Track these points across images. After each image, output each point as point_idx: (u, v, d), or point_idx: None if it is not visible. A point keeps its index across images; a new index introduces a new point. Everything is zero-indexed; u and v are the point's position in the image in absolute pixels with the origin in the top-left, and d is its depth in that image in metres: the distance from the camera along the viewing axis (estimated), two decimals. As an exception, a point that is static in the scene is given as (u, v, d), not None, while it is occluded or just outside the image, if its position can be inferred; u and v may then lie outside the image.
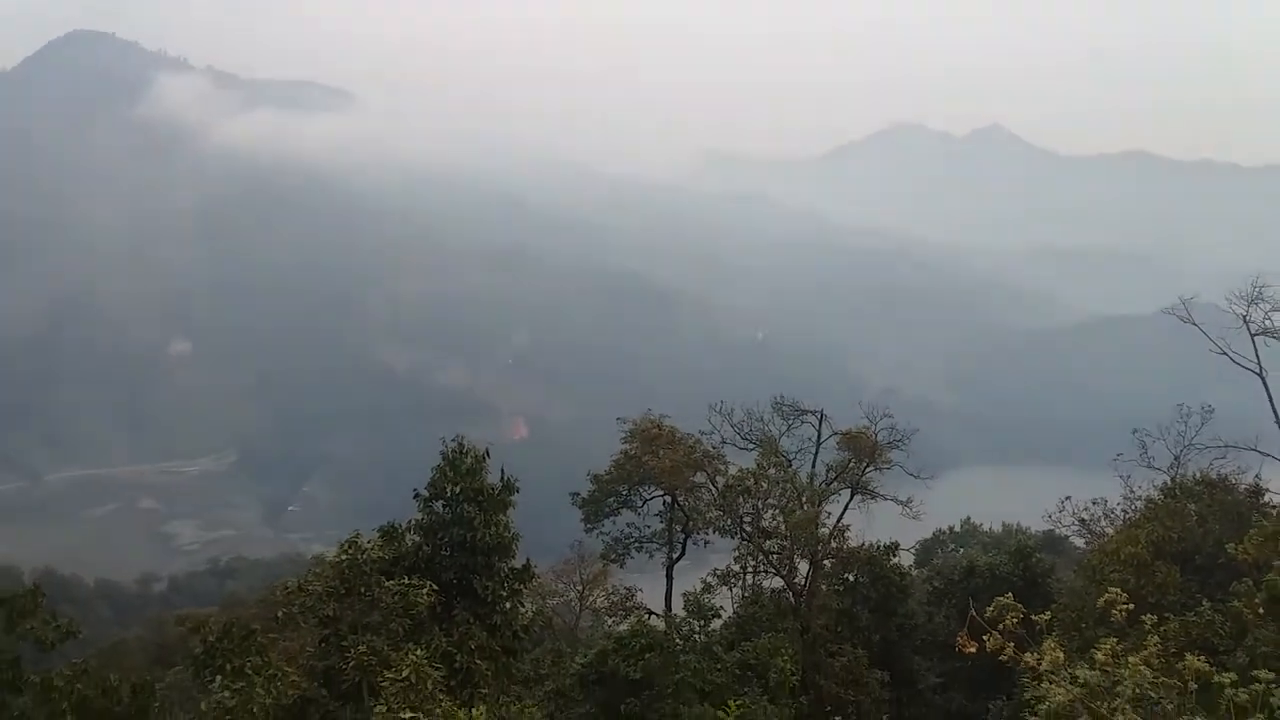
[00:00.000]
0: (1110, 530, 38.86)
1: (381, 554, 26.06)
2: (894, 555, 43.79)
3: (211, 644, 22.79)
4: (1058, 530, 46.76)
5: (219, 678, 22.22)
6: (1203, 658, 13.43)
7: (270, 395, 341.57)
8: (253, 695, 21.33)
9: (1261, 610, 22.43)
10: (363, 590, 24.47)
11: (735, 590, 42.50)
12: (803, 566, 42.51)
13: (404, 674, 20.52)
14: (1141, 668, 12.99)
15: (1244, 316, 36.93)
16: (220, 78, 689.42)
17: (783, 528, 42.07)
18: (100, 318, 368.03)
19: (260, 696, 21.33)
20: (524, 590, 28.68)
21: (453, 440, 27.79)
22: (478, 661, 25.16)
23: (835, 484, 43.74)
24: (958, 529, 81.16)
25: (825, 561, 42.43)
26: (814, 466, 45.22)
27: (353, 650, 22.83)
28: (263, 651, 23.24)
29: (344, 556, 25.11)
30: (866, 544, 42.92)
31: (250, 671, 22.10)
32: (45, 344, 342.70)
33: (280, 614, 25.21)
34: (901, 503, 44.17)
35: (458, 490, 26.88)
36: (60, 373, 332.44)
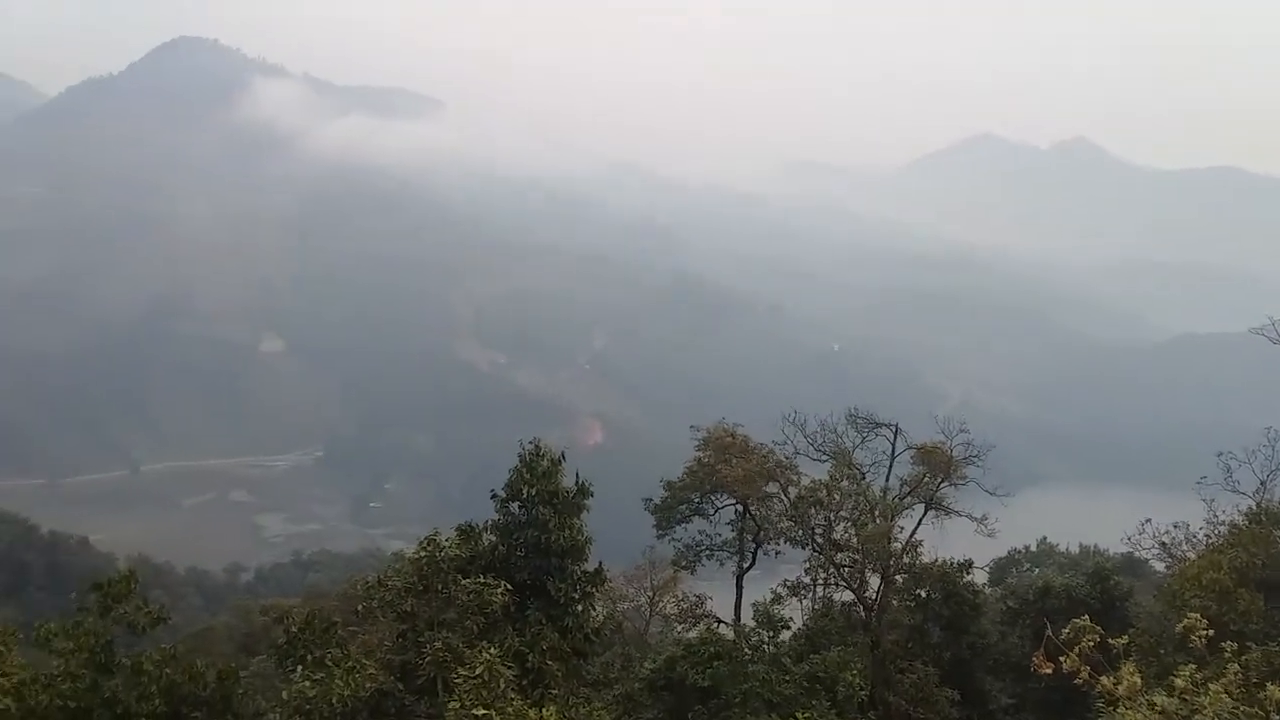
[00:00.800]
0: (1192, 555, 37.88)
1: (459, 552, 26.62)
2: (967, 573, 43.20)
3: (294, 634, 23.53)
4: (1137, 553, 45.54)
5: (300, 668, 22.93)
6: (1284, 688, 13.27)
7: (356, 392, 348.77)
8: (332, 686, 21.97)
9: (1349, 641, 21.88)
10: (440, 588, 25.00)
11: (805, 602, 42.35)
12: (874, 581, 42.19)
13: (477, 671, 21.01)
14: (1223, 695, 12.88)
15: (1338, 339, 35.78)
16: (316, 84, 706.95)
17: (854, 541, 41.81)
18: (198, 313, 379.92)
19: (339, 688, 21.97)
20: (596, 594, 29.01)
21: (530, 442, 28.27)
22: (549, 662, 25.56)
23: (909, 499, 43.30)
24: (1033, 548, 79.49)
25: (897, 577, 42.06)
26: (888, 480, 44.79)
27: (429, 646, 23.37)
28: (342, 644, 23.95)
29: (423, 554, 25.70)
30: (939, 560, 42.41)
31: (330, 663, 22.78)
32: (146, 337, 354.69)
33: (360, 608, 25.91)
34: (976, 520, 43.52)
35: (534, 492, 27.34)
36: (159, 365, 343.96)
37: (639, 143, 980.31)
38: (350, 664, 22.84)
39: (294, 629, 23.57)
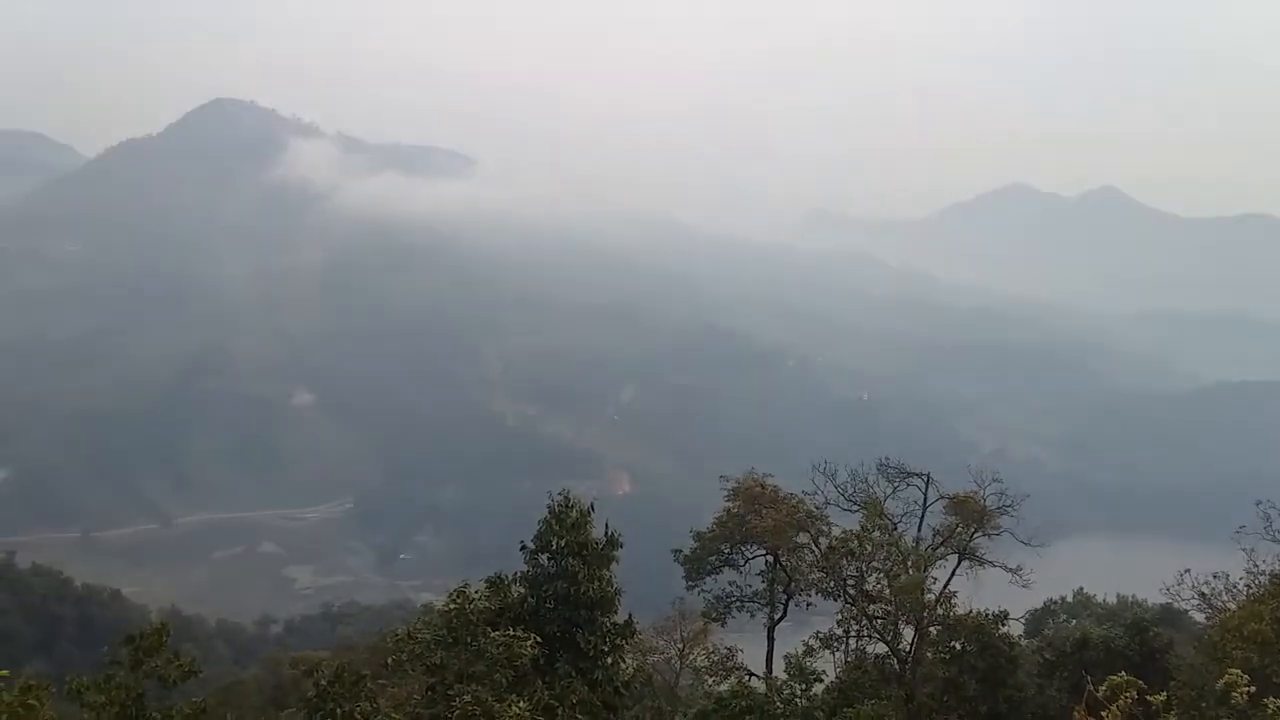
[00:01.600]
0: (1232, 605, 37.18)
1: (488, 604, 26.62)
2: (1003, 624, 42.54)
3: (323, 688, 23.43)
4: (1176, 604, 44.72)
5: (329, 721, 22.85)
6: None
7: (385, 445, 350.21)
8: (362, 740, 21.90)
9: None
10: (469, 640, 24.97)
11: (838, 654, 41.88)
12: (907, 633, 41.68)
13: (507, 724, 20.90)
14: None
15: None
16: (349, 143, 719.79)
17: (887, 592, 41.38)
18: (230, 369, 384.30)
19: (369, 741, 21.89)
20: (625, 646, 28.86)
21: (559, 494, 28.35)
22: (579, 716, 25.36)
23: (942, 549, 42.89)
24: (1070, 599, 78.18)
25: (931, 629, 41.49)
26: (920, 530, 44.44)
27: (458, 699, 23.26)
28: (372, 697, 23.84)
29: (452, 606, 25.71)
30: (974, 612, 41.81)
31: (359, 717, 22.68)
32: (180, 393, 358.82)
33: (389, 660, 25.88)
34: (1011, 570, 43.03)
35: (563, 544, 27.36)
36: (192, 420, 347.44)
37: (664, 194, 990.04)
38: (380, 718, 22.75)
39: (323, 682, 23.48)
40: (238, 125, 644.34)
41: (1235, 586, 38.99)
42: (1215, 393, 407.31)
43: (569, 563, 27.08)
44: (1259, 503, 38.43)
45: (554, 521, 27.56)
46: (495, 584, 27.76)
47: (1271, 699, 15.17)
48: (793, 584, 44.45)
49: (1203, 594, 40.49)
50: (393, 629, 27.18)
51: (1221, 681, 15.06)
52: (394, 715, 23.62)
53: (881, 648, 41.77)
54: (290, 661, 68.07)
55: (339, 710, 23.02)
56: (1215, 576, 40.24)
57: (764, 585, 45.70)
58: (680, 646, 51.90)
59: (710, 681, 45.65)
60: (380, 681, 25.97)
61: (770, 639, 45.66)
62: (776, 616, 45.59)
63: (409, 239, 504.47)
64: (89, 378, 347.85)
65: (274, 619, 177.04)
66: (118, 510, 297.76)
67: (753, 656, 46.19)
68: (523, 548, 28.21)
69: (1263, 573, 37.34)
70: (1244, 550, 38.13)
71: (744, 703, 34.43)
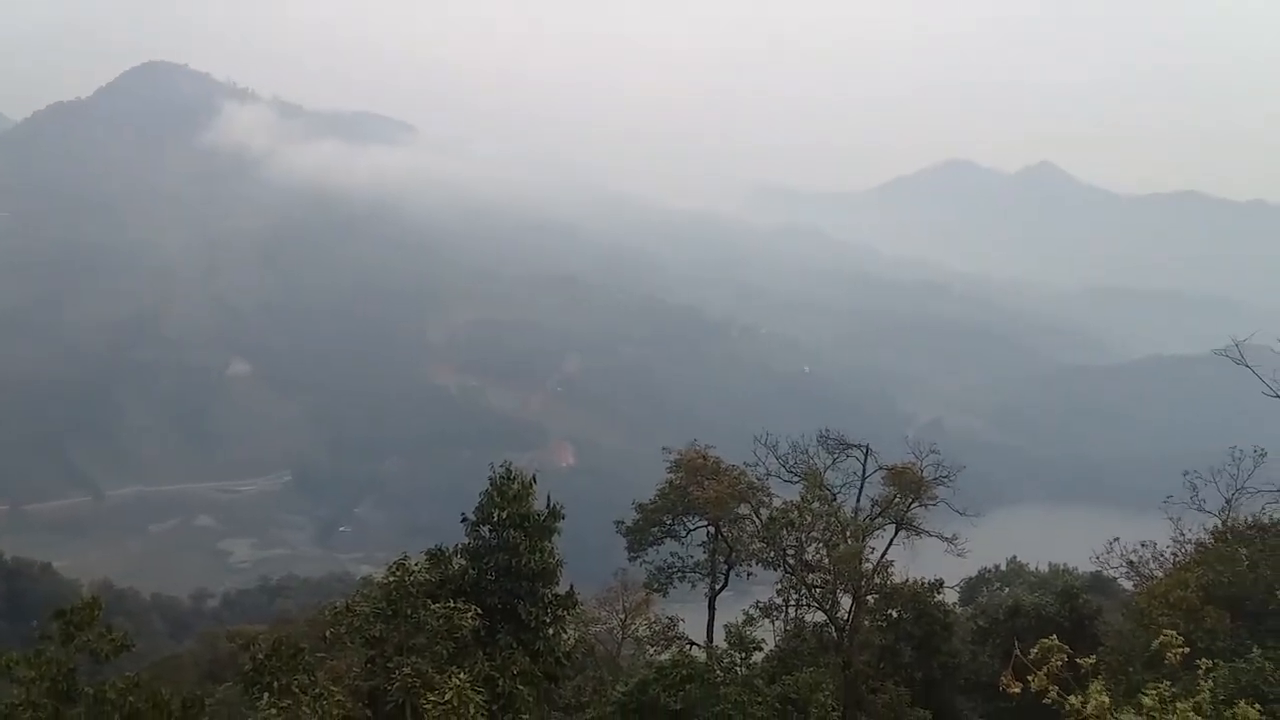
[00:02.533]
0: (1159, 573, 38.26)
1: (428, 577, 26.47)
2: (938, 592, 43.36)
3: (260, 661, 23.20)
4: (1105, 572, 45.92)
5: (266, 695, 22.56)
6: (1253, 706, 13.36)
7: (326, 417, 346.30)
8: (299, 714, 21.69)
9: (1313, 658, 22.11)
10: (409, 612, 24.83)
11: (777, 623, 42.36)
12: (845, 601, 42.28)
13: (447, 697, 20.87)
14: (1191, 714, 12.94)
15: (1299, 359, 36.28)
16: (285, 108, 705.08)
17: (826, 562, 41.90)
18: (164, 338, 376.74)
19: (306, 716, 21.69)
20: (567, 617, 28.94)
21: (501, 466, 28.22)
22: (520, 687, 25.41)
23: (880, 519, 43.49)
24: (1004, 568, 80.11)
25: (868, 597, 42.15)
26: (859, 501, 45.01)
27: (397, 672, 23.17)
28: (310, 670, 23.63)
29: (391, 578, 25.53)
30: (910, 580, 42.57)
31: (297, 690, 22.46)
32: (112, 362, 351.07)
33: (328, 634, 25.66)
34: (947, 540, 43.76)
35: (504, 516, 27.26)
36: (126, 391, 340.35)
37: (608, 166, 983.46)
38: (317, 691, 22.57)
39: (260, 656, 23.24)
40: (171, 89, 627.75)
41: (1162, 555, 40.10)
42: (1148, 367, 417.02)
43: (510, 534, 26.98)
44: (1186, 473, 39.44)
45: (495, 493, 27.43)
46: (436, 556, 27.62)
47: (1203, 661, 15.53)
48: (734, 554, 44.83)
49: (1131, 562, 41.62)
50: (331, 602, 26.93)
51: (1156, 642, 15.34)
52: (332, 688, 23.42)
53: (820, 616, 42.36)
54: (227, 635, 67.25)
55: (276, 684, 22.81)
56: (1143, 545, 41.36)
57: (705, 556, 46.04)
58: (622, 617, 52.20)
59: (652, 651, 45.96)
60: (319, 655, 25.74)
61: (711, 609, 46.07)
62: (718, 586, 46.00)
63: (349, 207, 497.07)
64: (19, 348, 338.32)
65: (210, 593, 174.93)
66: (49, 483, 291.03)
67: (694, 626, 46.59)
68: (464, 520, 28.07)
69: (1189, 541, 38.41)
70: (1171, 520, 39.18)
71: (684, 671, 34.66)
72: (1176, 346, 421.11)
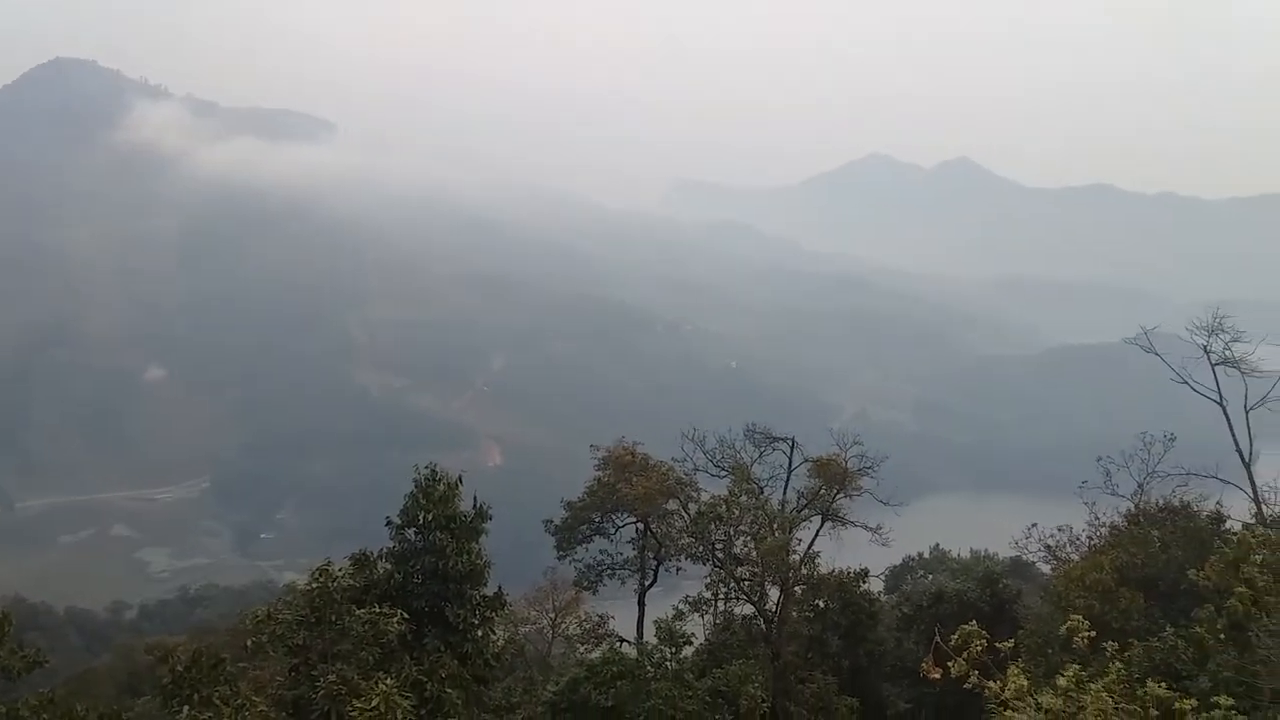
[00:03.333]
0: (1075, 557, 39.27)
1: (352, 582, 26.06)
2: (864, 582, 44.03)
3: (179, 673, 22.66)
4: (1024, 556, 47.07)
5: (186, 708, 22.10)
6: (1165, 684, 13.77)
7: (246, 421, 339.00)
8: (220, 725, 21.22)
9: (1223, 635, 22.83)
10: (333, 619, 24.42)
11: (707, 617, 42.59)
12: (773, 593, 42.63)
13: (373, 703, 20.56)
14: (1104, 695, 13.30)
15: (1205, 347, 37.55)
16: (199, 105, 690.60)
17: (754, 555, 42.21)
18: (76, 341, 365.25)
19: (228, 726, 21.22)
20: (496, 618, 28.73)
21: (425, 467, 27.87)
22: (448, 690, 25.15)
23: (806, 511, 43.92)
24: (927, 555, 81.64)
25: (796, 588, 42.57)
26: (785, 493, 45.43)
27: (322, 679, 22.77)
28: (231, 681, 23.16)
29: (314, 584, 25.06)
30: (837, 570, 43.12)
31: (218, 701, 22.01)
32: (22, 368, 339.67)
33: (249, 643, 25.12)
34: (871, 529, 44.39)
35: (430, 517, 26.94)
36: (36, 397, 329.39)
37: (532, 163, 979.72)
38: (239, 702, 22.14)
39: (179, 668, 22.71)
40: (79, 86, 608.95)
41: (1078, 539, 41.19)
42: (1064, 355, 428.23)
43: (436, 537, 26.68)
44: (1100, 459, 40.57)
45: (420, 495, 27.10)
46: (360, 561, 27.20)
47: (1110, 643, 15.92)
48: (663, 550, 44.96)
49: (1049, 546, 42.68)
50: (253, 610, 26.31)
51: (1064, 627, 15.79)
52: (255, 699, 22.97)
53: (749, 609, 42.66)
54: (145, 648, 65.69)
55: (196, 695, 22.32)
56: (1060, 530, 42.45)
57: (635, 552, 46.14)
58: (552, 616, 52.11)
59: (582, 649, 45.94)
60: (240, 665, 25.28)
61: (641, 605, 46.16)
62: (647, 583, 46.11)
63: (268, 205, 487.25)
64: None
65: (128, 604, 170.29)
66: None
67: (624, 623, 46.64)
68: (388, 523, 27.70)
69: (1103, 525, 39.51)
70: (1086, 504, 40.26)
71: (615, 668, 34.66)
72: (1089, 335, 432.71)
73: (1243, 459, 36.83)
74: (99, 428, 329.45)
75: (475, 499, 28.08)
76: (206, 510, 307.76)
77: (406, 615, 24.98)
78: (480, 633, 27.42)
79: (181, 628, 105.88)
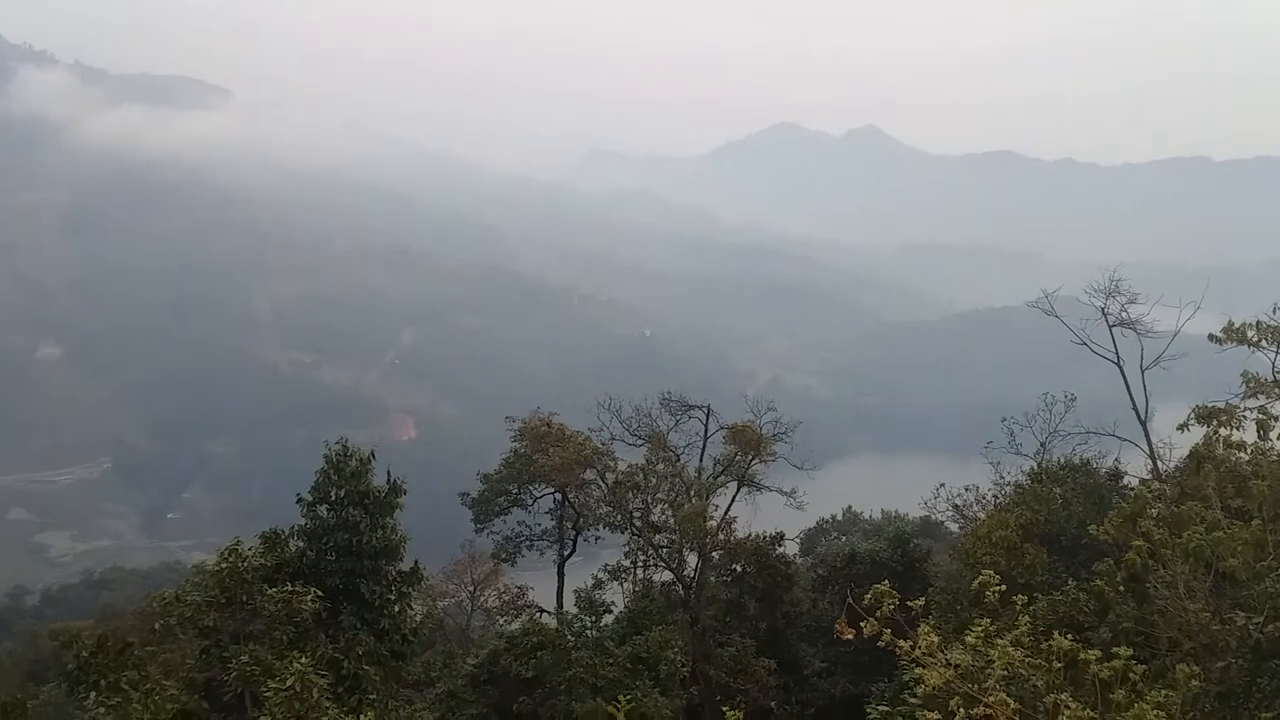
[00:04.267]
0: (982, 515, 40.37)
1: (263, 561, 25.60)
2: (779, 545, 44.69)
3: (85, 659, 22.13)
4: (933, 516, 48.36)
5: (93, 694, 21.63)
6: (1069, 636, 14.21)
7: (146, 399, 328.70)
8: (129, 711, 20.84)
9: (1122, 588, 23.70)
10: (244, 599, 24.00)
11: (626, 585, 42.84)
12: (691, 559, 43.09)
13: (288, 683, 20.23)
14: (1010, 649, 13.68)
15: (1102, 309, 38.85)
16: (87, 72, 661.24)
17: (672, 522, 42.57)
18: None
19: (137, 712, 20.83)
20: (413, 593, 28.55)
21: (336, 443, 27.44)
22: (365, 667, 24.93)
23: (722, 477, 44.41)
24: (840, 517, 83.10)
25: (713, 554, 43.07)
26: (701, 460, 45.87)
27: (234, 661, 22.40)
28: (140, 665, 22.68)
29: (224, 564, 24.57)
30: (753, 535, 43.69)
31: (126, 686, 21.57)
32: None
33: (158, 626, 24.62)
34: (786, 494, 45.10)
35: (342, 494, 26.58)
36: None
37: (439, 131, 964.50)
38: (149, 686, 21.69)
39: (85, 653, 22.14)
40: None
41: (984, 498, 42.37)
42: (969, 319, 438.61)
43: (350, 513, 26.32)
44: (1004, 420, 41.77)
45: (332, 471, 26.68)
46: (271, 539, 26.71)
47: (1019, 597, 16.37)
48: (581, 520, 45.04)
49: (956, 506, 43.85)
50: (160, 592, 25.68)
51: (975, 582, 16.18)
52: (165, 682, 22.50)
53: (668, 575, 43.04)
54: (49, 633, 63.72)
55: (104, 681, 21.83)
56: (967, 489, 43.62)
57: (553, 523, 46.14)
58: (471, 589, 51.95)
59: (502, 621, 45.99)
60: (149, 648, 24.70)
61: (560, 575, 46.25)
62: (566, 553, 46.19)
63: (161, 175, 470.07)
64: None
65: (29, 589, 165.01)
66: None
67: (544, 593, 46.70)
68: (299, 500, 27.21)
69: (1008, 484, 40.67)
70: (991, 464, 41.45)
71: (535, 639, 34.74)
72: (992, 299, 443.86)
73: (1139, 417, 38.28)
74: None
75: (389, 474, 27.76)
76: (109, 492, 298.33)
77: (321, 593, 24.63)
78: (397, 608, 27.20)
79: (87, 612, 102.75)
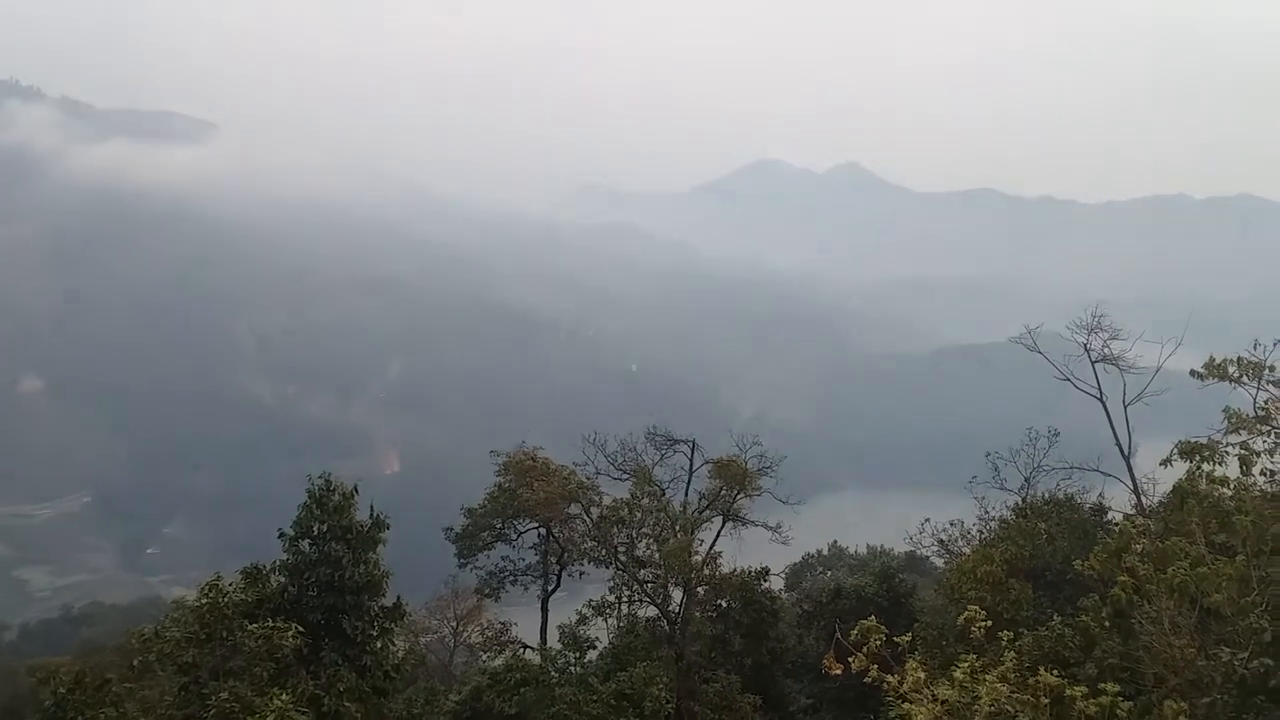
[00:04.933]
0: (967, 550, 40.35)
1: (244, 596, 25.37)
2: (765, 580, 44.51)
3: (63, 695, 21.86)
4: (918, 551, 48.24)
5: (70, 732, 21.25)
6: (1055, 671, 14.19)
7: (129, 433, 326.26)
8: (106, 749, 20.44)
9: (1107, 623, 23.66)
10: (224, 635, 23.75)
11: (610, 620, 42.57)
12: (676, 594, 42.83)
13: (268, 720, 19.99)
14: (997, 685, 13.64)
15: (1085, 345, 39.09)
16: (74, 106, 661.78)
17: (656, 557, 42.37)
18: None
19: (114, 750, 20.45)
20: (395, 629, 28.26)
21: (319, 477, 27.26)
22: (347, 704, 24.65)
23: (707, 512, 44.28)
24: (825, 552, 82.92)
25: (698, 589, 42.84)
26: (686, 495, 45.72)
27: (214, 698, 22.13)
28: (118, 702, 22.40)
29: (204, 600, 24.34)
30: (738, 570, 43.50)
31: (104, 724, 21.19)
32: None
33: (136, 662, 24.29)
34: (771, 528, 44.98)
35: (325, 528, 26.39)
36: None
37: (424, 166, 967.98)
38: (127, 724, 21.30)
39: (63, 690, 21.86)
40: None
41: (969, 532, 42.37)
42: (952, 354, 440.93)
43: (332, 548, 26.11)
44: (988, 455, 41.84)
45: (315, 506, 26.50)
46: (252, 574, 26.47)
47: (1005, 632, 16.33)
48: (565, 554, 44.83)
49: (941, 541, 43.80)
50: (140, 628, 25.37)
51: (961, 617, 16.14)
52: (143, 719, 22.15)
53: (652, 610, 42.77)
54: (26, 669, 62.64)
55: (81, 718, 21.49)
56: (951, 524, 43.61)
57: (537, 558, 45.92)
58: (454, 625, 51.50)
59: (485, 657, 45.55)
60: (127, 685, 24.33)
61: (544, 610, 45.95)
62: (550, 588, 45.93)
63: (147, 207, 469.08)
64: None
65: (7, 625, 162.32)
66: None
67: (528, 629, 46.35)
68: (281, 534, 27.00)
69: (992, 519, 40.72)
70: (976, 499, 41.48)
71: (519, 675, 34.44)
72: (976, 335, 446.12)
73: (1122, 452, 38.39)
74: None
75: (372, 508, 27.58)
76: (89, 526, 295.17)
77: (302, 629, 24.39)
78: (379, 644, 26.93)
79: (66, 648, 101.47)
